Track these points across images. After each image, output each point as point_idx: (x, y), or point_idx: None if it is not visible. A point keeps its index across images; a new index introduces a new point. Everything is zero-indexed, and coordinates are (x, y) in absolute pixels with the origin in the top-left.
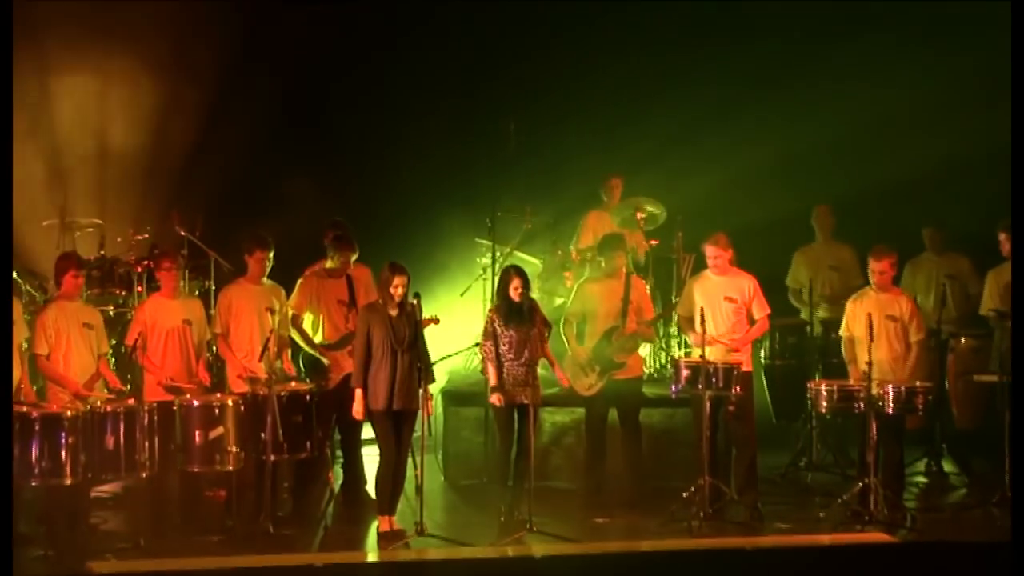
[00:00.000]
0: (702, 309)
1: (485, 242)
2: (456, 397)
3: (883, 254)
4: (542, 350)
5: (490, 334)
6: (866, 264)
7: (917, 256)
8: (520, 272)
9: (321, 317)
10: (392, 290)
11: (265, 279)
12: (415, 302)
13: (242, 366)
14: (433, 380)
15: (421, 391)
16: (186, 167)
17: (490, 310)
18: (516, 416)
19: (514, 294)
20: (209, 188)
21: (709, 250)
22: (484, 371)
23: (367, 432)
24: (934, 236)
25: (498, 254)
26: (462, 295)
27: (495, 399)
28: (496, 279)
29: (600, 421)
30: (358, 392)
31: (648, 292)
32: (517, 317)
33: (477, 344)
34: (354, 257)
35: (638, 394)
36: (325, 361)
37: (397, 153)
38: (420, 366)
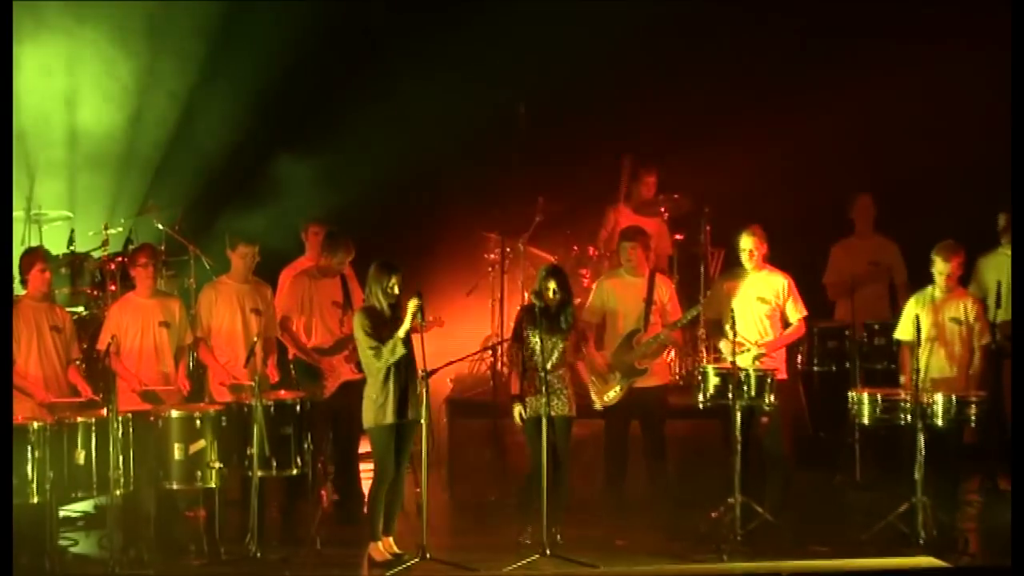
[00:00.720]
0: (732, 311)
1: (493, 236)
2: (462, 407)
3: (952, 253)
4: (573, 361)
5: (516, 337)
6: (912, 260)
7: (991, 250)
8: (556, 273)
9: (314, 320)
10: (388, 290)
11: (250, 277)
12: (418, 302)
13: (225, 372)
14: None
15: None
16: (165, 153)
17: (520, 308)
18: (546, 429)
19: (549, 296)
20: (190, 177)
21: (746, 242)
22: (507, 378)
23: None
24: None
25: (507, 249)
26: (468, 294)
27: (515, 412)
28: (504, 276)
29: (621, 434)
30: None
31: (675, 291)
32: (547, 321)
33: (486, 348)
34: (350, 257)
35: (663, 404)
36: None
37: (395, 138)
38: (425, 371)
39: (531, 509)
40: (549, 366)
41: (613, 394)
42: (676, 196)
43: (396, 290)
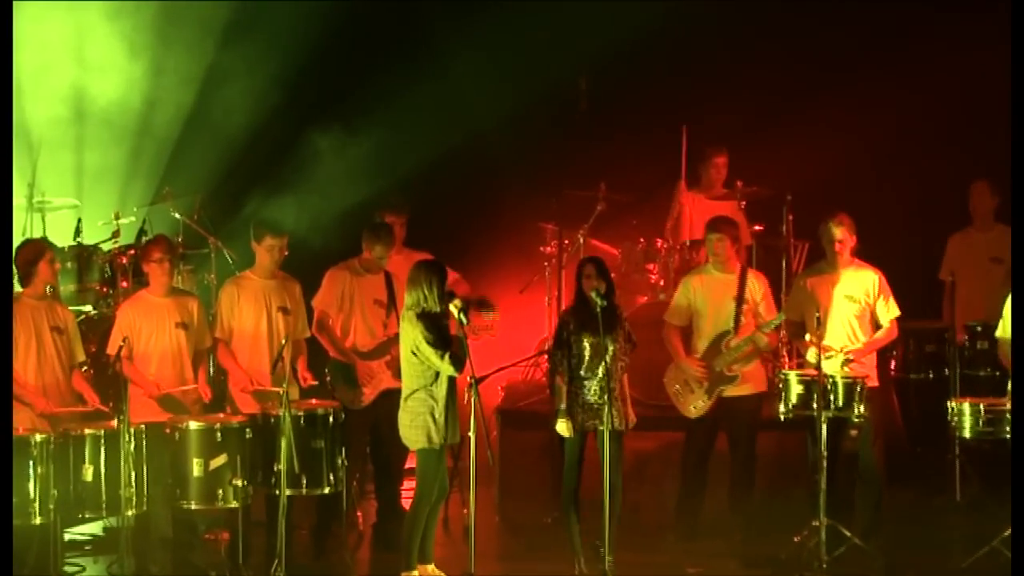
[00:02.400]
0: (817, 311)
1: (549, 227)
2: (514, 418)
3: None
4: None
5: (561, 343)
6: None
7: None
8: (594, 262)
9: (353, 319)
10: (440, 292)
11: (277, 272)
12: (460, 304)
13: (249, 379)
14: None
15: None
16: (183, 132)
17: (563, 312)
18: (589, 445)
19: (586, 289)
20: (211, 159)
21: (833, 233)
22: (550, 388)
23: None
24: None
25: (565, 241)
26: (522, 292)
27: (560, 427)
28: (562, 272)
29: (704, 449)
30: None
31: (769, 288)
32: (593, 322)
33: (540, 353)
34: (391, 250)
35: (755, 415)
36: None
37: (442, 119)
38: (473, 378)
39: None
40: (601, 372)
41: (701, 404)
42: (755, 188)
43: (441, 291)
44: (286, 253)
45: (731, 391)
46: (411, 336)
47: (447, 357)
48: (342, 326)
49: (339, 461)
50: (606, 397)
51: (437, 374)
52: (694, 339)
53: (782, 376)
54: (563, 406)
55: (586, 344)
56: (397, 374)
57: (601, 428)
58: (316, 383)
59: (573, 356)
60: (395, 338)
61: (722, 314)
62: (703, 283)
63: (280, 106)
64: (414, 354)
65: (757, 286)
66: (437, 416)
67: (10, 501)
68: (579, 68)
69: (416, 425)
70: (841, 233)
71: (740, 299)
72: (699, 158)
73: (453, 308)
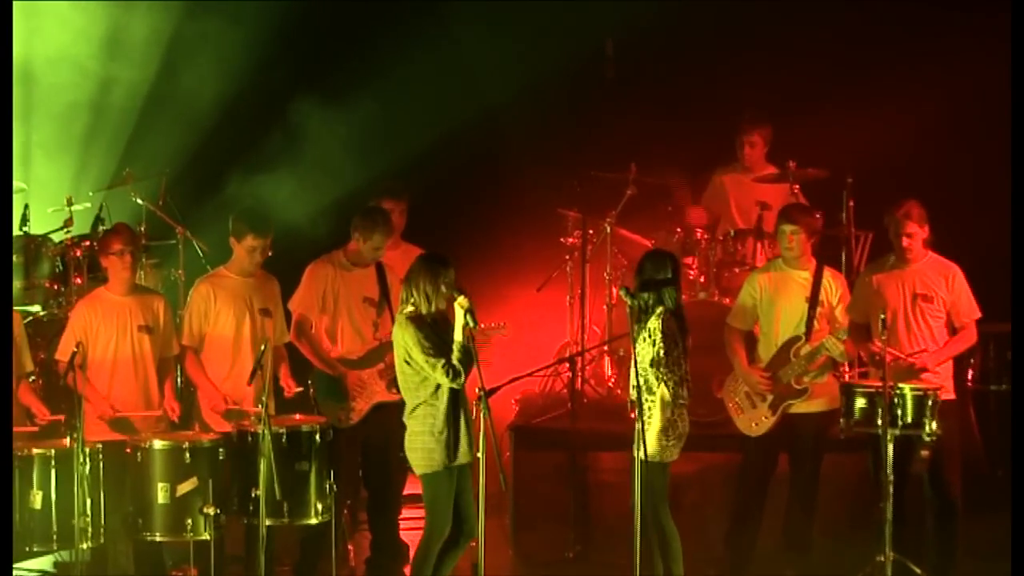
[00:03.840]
0: (883, 312)
1: (571, 214)
2: (531, 436)
3: None
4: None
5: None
6: None
7: None
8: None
9: (340, 322)
10: (440, 291)
11: (256, 270)
12: (467, 302)
13: (222, 395)
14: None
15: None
16: (145, 109)
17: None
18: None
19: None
20: (177, 139)
21: (903, 223)
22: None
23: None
24: None
25: (590, 231)
26: (539, 290)
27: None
28: (586, 266)
29: (764, 472)
30: None
31: (848, 289)
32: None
33: (560, 361)
34: (389, 240)
35: (823, 436)
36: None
37: (447, 90)
38: (482, 390)
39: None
40: (642, 383)
41: (764, 420)
42: (809, 169)
43: (447, 291)
44: (269, 254)
45: (799, 407)
46: (402, 342)
47: (441, 366)
48: (327, 330)
49: (327, 486)
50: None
51: (438, 385)
52: (759, 345)
53: (842, 388)
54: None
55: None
56: (392, 385)
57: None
58: (301, 390)
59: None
60: (390, 343)
61: (792, 318)
62: (772, 281)
63: (259, 75)
64: (407, 363)
65: (834, 287)
66: (438, 433)
67: (10, 503)
68: (605, 30)
69: (415, 446)
70: (912, 225)
71: (814, 301)
72: (735, 132)
73: (459, 308)
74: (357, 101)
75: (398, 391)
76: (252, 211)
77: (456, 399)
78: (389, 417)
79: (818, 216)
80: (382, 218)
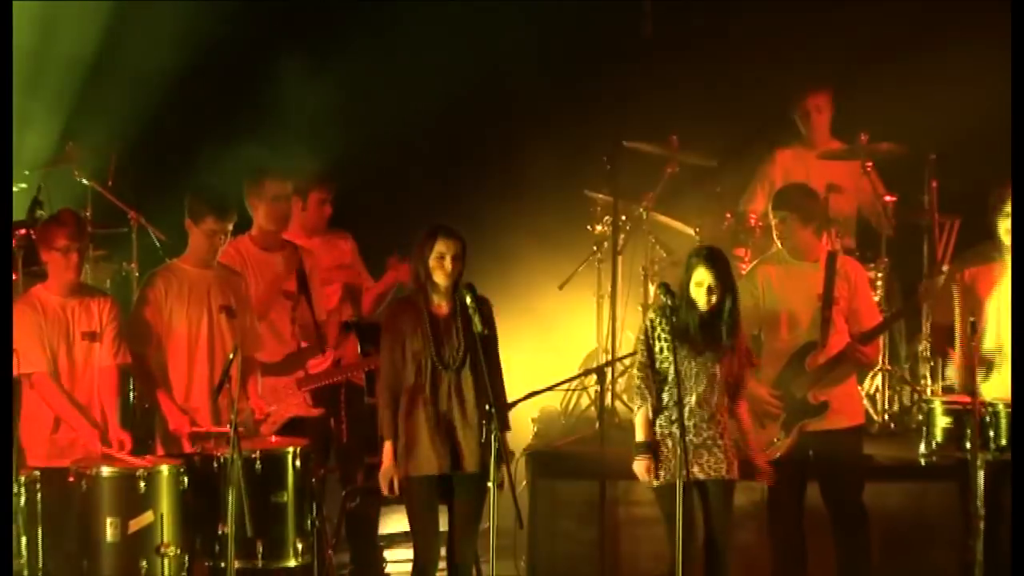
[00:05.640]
0: (974, 315)
1: (600, 197)
2: (551, 462)
3: None
4: (735, 399)
5: (647, 355)
6: None
7: None
8: (713, 259)
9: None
10: (437, 262)
11: (214, 261)
12: (471, 298)
13: (182, 414)
14: (507, 428)
15: (494, 444)
16: (92, 67)
17: (653, 312)
18: (692, 499)
19: (701, 296)
20: (127, 109)
21: (1002, 208)
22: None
23: (394, 523)
24: None
25: (622, 217)
26: (561, 288)
27: (640, 469)
28: (617, 259)
29: (791, 503)
30: (387, 448)
31: (870, 282)
32: (694, 332)
33: (587, 372)
34: (284, 206)
35: (856, 457)
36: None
37: (454, 50)
38: (488, 402)
39: None
40: (695, 401)
41: (777, 442)
42: (885, 144)
43: (450, 265)
44: (228, 237)
45: (816, 425)
46: None
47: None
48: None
49: (309, 522)
50: (708, 434)
51: (417, 379)
52: (765, 353)
53: (923, 404)
54: (646, 440)
55: (676, 361)
56: (314, 399)
57: (701, 476)
58: (273, 409)
59: (660, 375)
60: (312, 347)
61: (803, 319)
62: (776, 276)
63: (226, 30)
64: None
65: (849, 279)
66: (417, 439)
67: (10, 506)
68: None
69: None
70: (1011, 207)
71: (827, 299)
72: (794, 98)
73: (467, 294)
74: (343, 64)
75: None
76: (213, 189)
77: (435, 398)
78: (306, 435)
79: (817, 197)
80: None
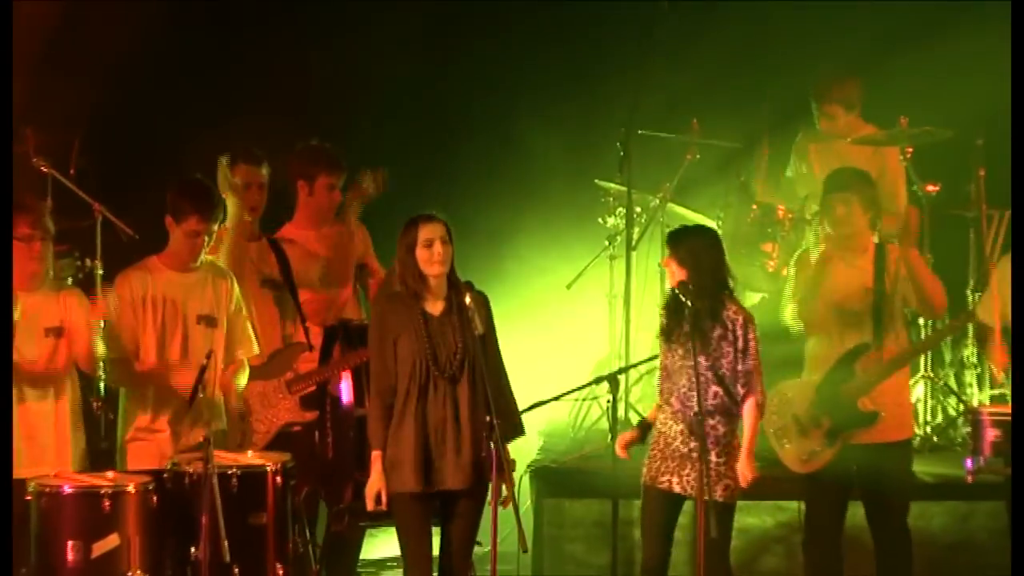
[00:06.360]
0: None
1: (614, 187)
2: (557, 481)
3: None
4: (743, 400)
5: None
6: None
7: None
8: (676, 236)
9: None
10: (425, 251)
11: (200, 261)
12: (470, 299)
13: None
14: (521, 432)
15: (495, 457)
16: (52, 44)
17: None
18: (674, 513)
19: (672, 278)
20: (94, 90)
21: None
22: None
23: (383, 547)
24: None
25: (637, 209)
26: (569, 288)
27: (617, 441)
28: (631, 253)
29: (831, 525)
30: (376, 459)
31: (931, 271)
32: (688, 325)
33: (599, 380)
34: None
35: (905, 475)
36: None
37: (447, 19)
38: (489, 413)
39: None
40: (684, 404)
41: (817, 451)
42: (927, 127)
43: (440, 253)
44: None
45: (865, 436)
46: None
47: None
48: None
49: (290, 545)
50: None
51: (409, 384)
52: (810, 354)
53: (967, 415)
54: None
55: (670, 356)
56: (307, 402)
57: (688, 493)
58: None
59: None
60: (300, 344)
61: (852, 316)
62: (820, 269)
63: (197, 11)
64: None
65: (903, 268)
66: (404, 450)
67: (10, 507)
68: None
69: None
70: None
71: (879, 292)
72: (818, 83)
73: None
74: (331, 30)
75: (308, 409)
76: (197, 184)
77: (424, 406)
78: (300, 445)
79: (876, 185)
80: (251, 159)
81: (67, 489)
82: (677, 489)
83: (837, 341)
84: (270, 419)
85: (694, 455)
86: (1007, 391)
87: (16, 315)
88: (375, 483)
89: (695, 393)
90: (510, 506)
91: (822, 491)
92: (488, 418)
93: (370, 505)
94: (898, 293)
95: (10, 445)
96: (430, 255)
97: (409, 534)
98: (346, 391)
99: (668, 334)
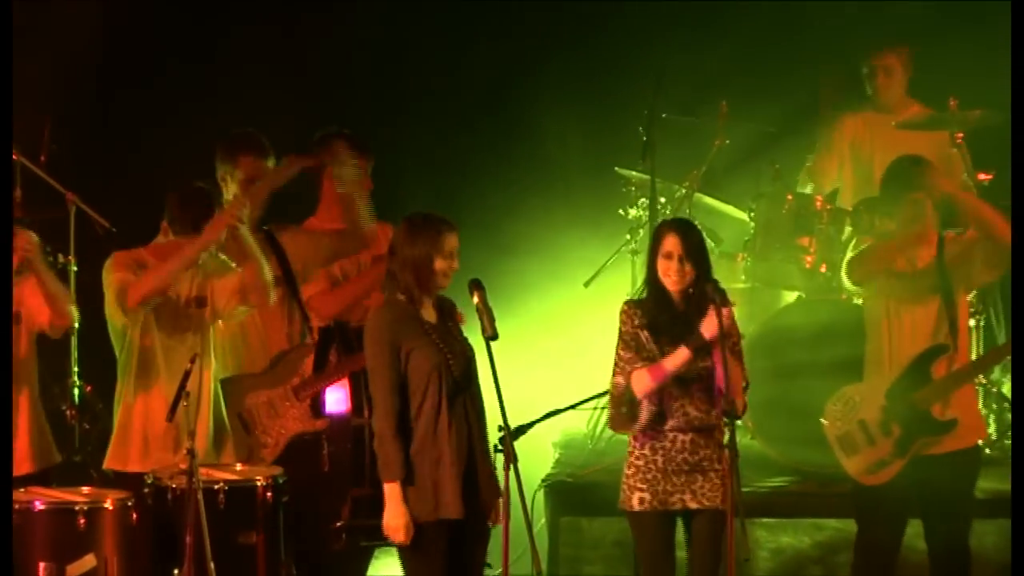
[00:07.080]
0: None
1: (635, 175)
2: (574, 497)
3: None
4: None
5: (631, 347)
6: None
7: None
8: (681, 228)
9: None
10: (447, 263)
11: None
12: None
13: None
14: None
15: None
16: (24, 21)
17: (627, 304)
18: (674, 531)
19: (666, 275)
20: (66, 68)
21: None
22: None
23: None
24: None
25: (661, 199)
26: (587, 285)
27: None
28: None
29: (889, 544)
30: (395, 492)
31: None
32: (681, 324)
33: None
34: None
35: (972, 486)
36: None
37: (483, 18)
38: (506, 428)
39: None
40: (680, 411)
41: (888, 463)
42: (979, 110)
43: (456, 265)
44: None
45: (938, 446)
46: None
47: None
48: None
49: (282, 568)
50: (701, 453)
51: (432, 403)
52: (879, 360)
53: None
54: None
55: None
56: (317, 410)
57: (692, 505)
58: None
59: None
60: (305, 346)
61: (924, 319)
62: (891, 268)
63: None
64: None
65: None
66: (445, 478)
67: (10, 506)
68: None
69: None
70: None
71: (947, 291)
72: (861, 57)
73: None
74: (328, 13)
75: (319, 416)
76: (199, 195)
77: (455, 426)
78: (312, 457)
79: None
80: (251, 144)
81: (38, 505)
82: (693, 505)
83: (907, 342)
84: (278, 430)
85: (704, 464)
86: None
87: None
88: (402, 515)
89: (710, 395)
90: (529, 526)
91: (881, 506)
92: (499, 428)
93: (405, 540)
94: (960, 281)
95: (10, 445)
96: (449, 267)
97: (434, 568)
98: (343, 399)
99: (658, 335)
